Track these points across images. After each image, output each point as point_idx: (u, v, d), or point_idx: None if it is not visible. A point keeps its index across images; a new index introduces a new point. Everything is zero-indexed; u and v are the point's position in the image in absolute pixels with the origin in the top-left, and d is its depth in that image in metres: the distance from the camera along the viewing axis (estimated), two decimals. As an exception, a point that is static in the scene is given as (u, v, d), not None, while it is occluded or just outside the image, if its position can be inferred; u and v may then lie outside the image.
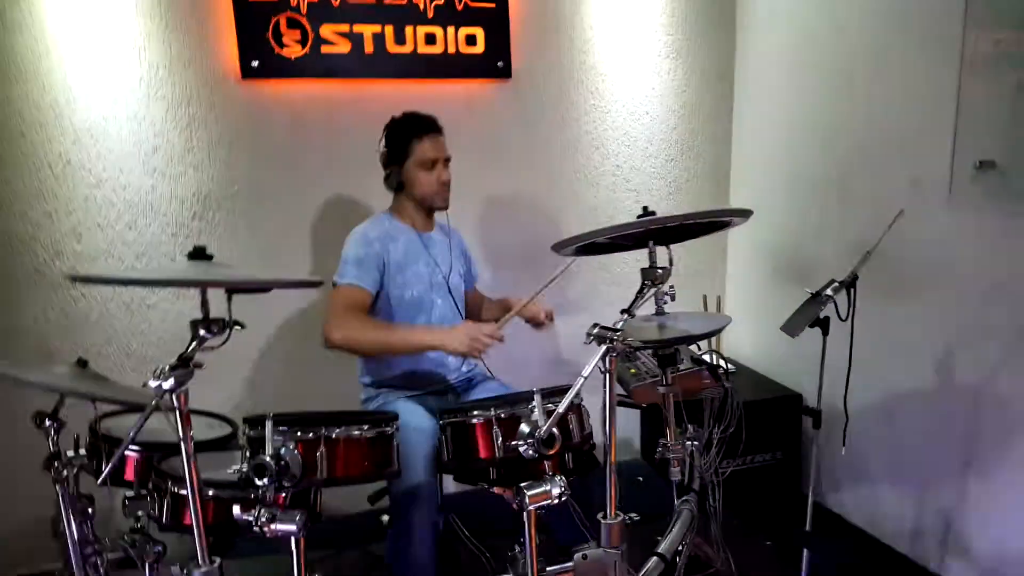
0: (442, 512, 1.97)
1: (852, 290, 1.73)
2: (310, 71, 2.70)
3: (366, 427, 1.42)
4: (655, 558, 1.60)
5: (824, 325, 1.70)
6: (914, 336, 2.36)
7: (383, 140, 2.24)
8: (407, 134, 2.19)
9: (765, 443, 2.95)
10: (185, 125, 2.66)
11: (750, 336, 3.29)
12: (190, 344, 1.22)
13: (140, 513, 1.59)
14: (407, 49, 2.78)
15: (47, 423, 1.50)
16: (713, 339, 2.78)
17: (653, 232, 1.39)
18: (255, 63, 2.63)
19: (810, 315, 1.66)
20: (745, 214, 1.42)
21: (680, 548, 1.76)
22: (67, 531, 1.56)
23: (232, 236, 2.78)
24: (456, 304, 2.30)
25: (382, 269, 2.15)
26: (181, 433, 1.24)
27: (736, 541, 2.25)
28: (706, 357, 2.39)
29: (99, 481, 1.36)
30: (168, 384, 1.19)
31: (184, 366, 1.21)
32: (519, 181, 3.11)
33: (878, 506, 2.62)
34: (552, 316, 2.32)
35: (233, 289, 1.21)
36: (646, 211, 1.42)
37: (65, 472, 1.51)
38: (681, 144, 3.36)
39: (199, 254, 1.23)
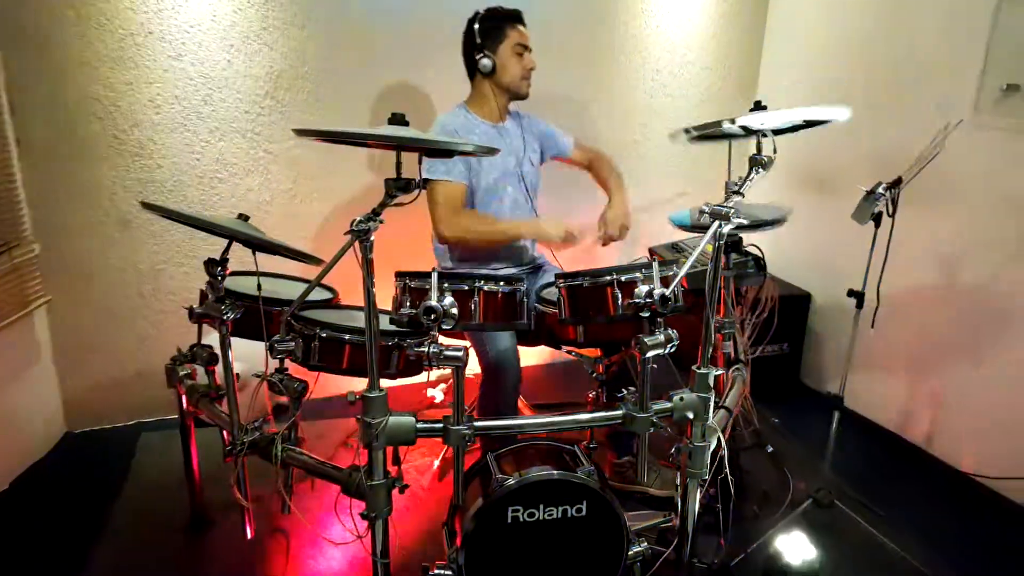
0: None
1: (897, 189, 1.99)
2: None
3: (502, 283, 1.66)
4: (722, 410, 1.90)
5: (878, 219, 1.98)
6: (932, 240, 2.66)
7: (476, 22, 2.36)
8: (502, 21, 2.34)
9: (775, 336, 3.28)
10: (263, 2, 2.73)
11: (765, 240, 3.57)
12: (384, 199, 1.42)
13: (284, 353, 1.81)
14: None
15: (217, 268, 1.69)
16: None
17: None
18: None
19: (870, 208, 1.93)
20: (841, 114, 1.64)
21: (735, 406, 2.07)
22: (225, 367, 1.78)
23: (300, 116, 2.90)
24: (527, 190, 2.50)
25: (467, 159, 2.34)
26: (365, 281, 1.45)
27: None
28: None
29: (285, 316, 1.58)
30: (364, 227, 1.40)
31: (375, 218, 1.42)
32: (563, 77, 3.24)
33: (875, 390, 3.00)
34: (622, 232, 2.49)
35: (426, 152, 1.40)
36: (758, 105, 1.63)
37: (229, 314, 1.71)
38: (717, 53, 3.53)
39: (398, 119, 1.41)
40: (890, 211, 2.00)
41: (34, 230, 2.64)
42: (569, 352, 2.18)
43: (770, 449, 2.42)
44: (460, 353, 1.50)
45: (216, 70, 2.75)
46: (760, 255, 2.58)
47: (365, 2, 2.87)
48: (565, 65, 3.23)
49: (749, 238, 2.52)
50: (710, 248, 1.62)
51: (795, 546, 2.03)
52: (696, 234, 2.56)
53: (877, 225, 2.00)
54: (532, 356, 3.38)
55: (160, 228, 2.84)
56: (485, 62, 2.34)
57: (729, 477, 2.02)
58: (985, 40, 2.41)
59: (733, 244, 2.14)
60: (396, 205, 1.45)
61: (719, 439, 1.86)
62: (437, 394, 3.06)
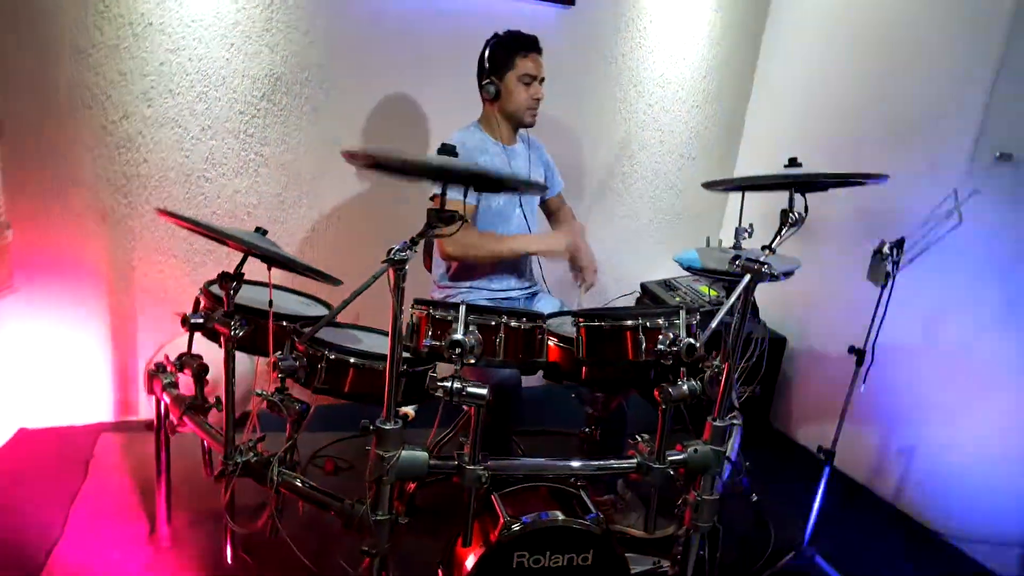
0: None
1: (899, 250, 2.03)
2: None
3: (527, 320, 1.63)
4: (727, 463, 1.89)
5: (886, 278, 2.02)
6: (918, 299, 2.72)
7: (489, 48, 2.35)
8: (513, 48, 2.33)
9: (748, 378, 3.32)
10: (267, 4, 2.66)
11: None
12: (424, 229, 1.37)
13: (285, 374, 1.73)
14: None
15: (232, 283, 1.61)
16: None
17: (799, 182, 1.63)
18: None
19: (883, 268, 1.97)
20: (881, 178, 1.66)
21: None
22: (227, 384, 1.69)
23: (296, 121, 2.83)
24: (527, 216, 2.48)
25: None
26: (395, 306, 1.40)
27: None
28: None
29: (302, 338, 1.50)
30: (401, 256, 1.35)
31: (412, 247, 1.37)
32: (559, 105, 3.23)
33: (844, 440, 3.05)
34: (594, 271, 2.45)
35: (472, 183, 1.36)
36: (793, 162, 1.64)
37: (238, 331, 1.63)
38: (707, 93, 3.59)
39: (448, 151, 1.36)
40: (893, 271, 2.05)
41: (9, 216, 2.49)
42: (572, 393, 2.15)
43: (755, 498, 2.43)
44: (484, 391, 1.46)
45: (214, 67, 2.65)
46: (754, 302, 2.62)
47: (370, 14, 2.82)
48: (563, 93, 3.22)
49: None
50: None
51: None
52: (689, 274, 2.59)
53: (884, 285, 2.04)
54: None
55: (139, 225, 2.71)
56: (490, 88, 2.34)
57: (719, 528, 2.04)
58: (981, 109, 2.50)
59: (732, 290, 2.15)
60: (436, 236, 1.41)
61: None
62: (410, 411, 2.98)
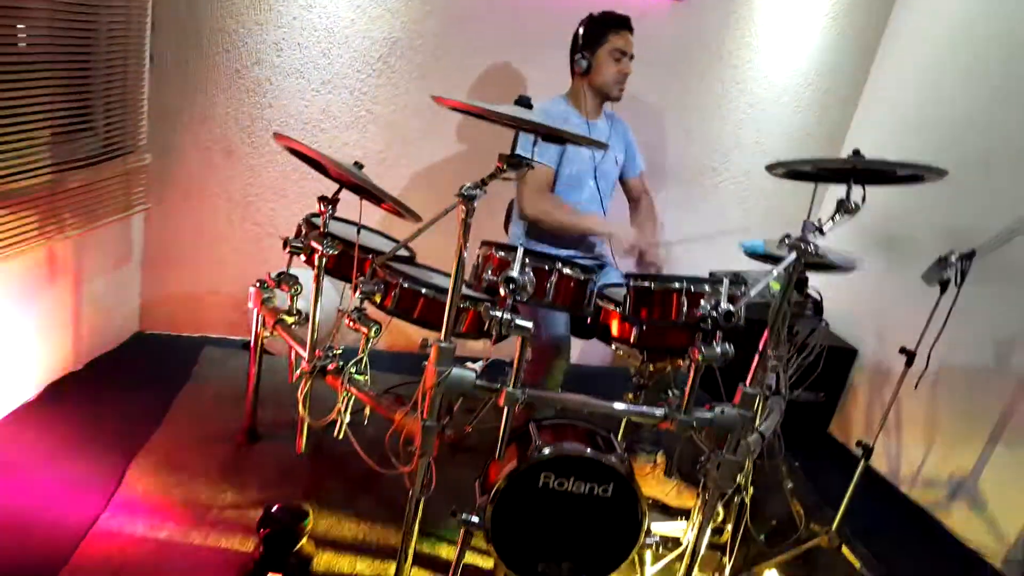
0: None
1: (968, 262, 2.05)
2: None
3: (579, 271, 1.79)
4: (756, 434, 1.99)
5: (944, 284, 2.05)
6: (992, 317, 2.68)
7: (583, 24, 2.51)
8: (606, 25, 2.48)
9: (815, 383, 3.33)
10: (396, -28, 2.91)
11: (825, 287, 3.63)
12: (493, 171, 1.55)
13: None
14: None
15: (328, 204, 1.85)
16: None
17: (857, 171, 1.70)
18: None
19: (940, 272, 2.01)
20: (941, 173, 1.71)
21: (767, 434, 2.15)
22: (316, 295, 1.94)
23: (406, 84, 3.07)
24: (600, 188, 2.61)
25: (559, 148, 2.46)
26: (460, 242, 1.59)
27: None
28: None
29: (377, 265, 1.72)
30: (471, 193, 1.53)
31: (482, 186, 1.55)
32: (659, 92, 3.36)
33: (904, 459, 3.04)
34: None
35: (545, 135, 1.53)
36: (856, 153, 1.72)
37: (330, 250, 1.88)
38: (810, 99, 3.59)
39: (524, 102, 1.54)
40: (957, 280, 2.07)
41: (149, 141, 2.85)
42: (616, 350, 2.28)
43: (790, 485, 2.49)
44: (529, 324, 1.62)
45: (339, 26, 2.93)
46: (819, 299, 2.66)
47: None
48: (665, 82, 3.34)
49: (813, 282, 2.61)
50: (775, 285, 1.71)
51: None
52: (761, 267, 2.65)
53: (943, 291, 2.07)
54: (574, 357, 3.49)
55: (258, 163, 3.03)
56: (582, 62, 2.48)
57: (747, 498, 2.13)
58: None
59: (798, 283, 2.22)
60: (504, 179, 1.58)
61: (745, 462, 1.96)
62: (477, 367, 3.18)
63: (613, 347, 2.33)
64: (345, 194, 1.98)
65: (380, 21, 2.96)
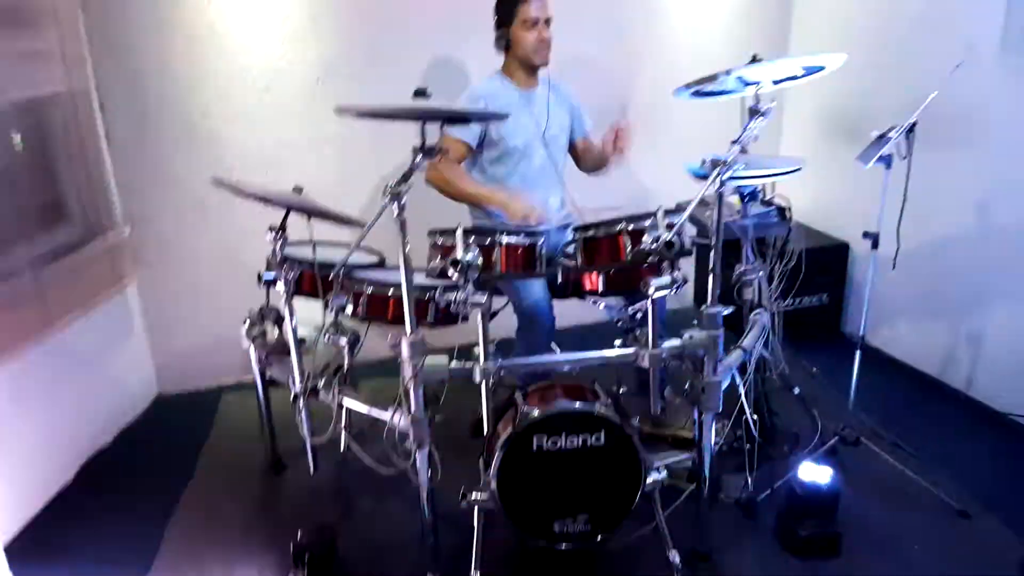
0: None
1: (911, 134, 2.06)
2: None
3: (523, 236, 1.85)
4: (738, 350, 2.04)
5: (888, 161, 2.06)
6: (960, 181, 2.69)
7: (496, 3, 2.53)
8: None
9: (812, 287, 3.34)
10: (310, 3, 2.99)
11: (801, 189, 3.59)
12: (411, 163, 1.62)
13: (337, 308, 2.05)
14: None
15: (277, 234, 1.95)
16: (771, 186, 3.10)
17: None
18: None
19: (878, 149, 2.02)
20: (837, 60, 1.73)
21: (753, 348, 2.20)
22: (289, 322, 2.04)
23: (347, 96, 3.09)
24: (553, 155, 2.65)
25: (484, 124, 2.51)
26: (401, 236, 1.66)
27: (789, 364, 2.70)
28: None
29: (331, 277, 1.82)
30: (397, 190, 1.61)
31: (405, 182, 1.63)
32: (600, 44, 3.39)
33: (914, 335, 3.05)
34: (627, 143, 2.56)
35: (446, 120, 1.60)
36: (755, 58, 1.75)
37: (291, 274, 1.97)
38: (746, 4, 3.59)
39: (421, 93, 1.61)
40: (903, 154, 2.08)
41: (124, 214, 2.98)
42: (595, 303, 2.33)
43: (797, 391, 2.53)
44: (483, 299, 1.70)
45: (272, 61, 3.01)
46: (786, 205, 2.67)
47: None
48: (598, 29, 3.37)
49: (781, 189, 2.63)
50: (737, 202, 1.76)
51: (816, 473, 2.13)
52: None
53: (888, 166, 2.08)
54: (572, 317, 3.54)
55: (229, 209, 3.12)
56: (500, 40, 2.53)
57: (751, 416, 2.18)
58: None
59: (751, 194, 2.26)
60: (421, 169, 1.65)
61: (735, 378, 2.01)
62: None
63: (591, 301, 2.39)
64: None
65: (309, 46, 3.04)
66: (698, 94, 1.91)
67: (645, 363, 1.81)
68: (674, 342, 1.83)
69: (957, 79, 2.20)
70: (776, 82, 1.84)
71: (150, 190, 3.02)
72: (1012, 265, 2.58)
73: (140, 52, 2.86)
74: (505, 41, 2.53)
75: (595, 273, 2.06)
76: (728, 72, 1.71)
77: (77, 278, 2.70)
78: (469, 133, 2.50)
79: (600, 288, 2.13)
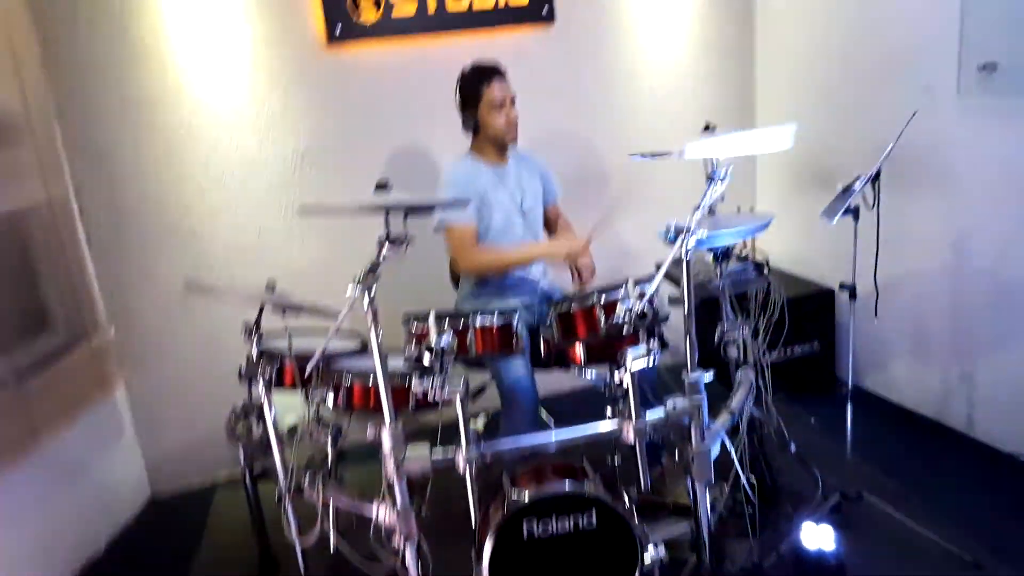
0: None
1: (876, 183, 2.08)
2: (384, 32, 3.09)
3: (495, 316, 1.85)
4: (726, 412, 2.01)
5: (855, 213, 2.07)
6: (932, 223, 2.70)
7: (458, 86, 2.59)
8: (477, 81, 2.54)
9: (802, 335, 3.32)
10: (283, 91, 3.06)
11: (782, 240, 3.63)
12: (378, 256, 1.63)
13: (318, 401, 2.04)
14: (464, 6, 3.15)
15: (254, 332, 1.94)
16: (750, 241, 3.13)
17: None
18: (338, 29, 3.01)
19: (843, 203, 2.03)
20: (784, 134, 1.77)
21: (743, 409, 2.17)
22: (268, 418, 2.01)
23: (328, 184, 3.18)
24: (531, 225, 2.69)
25: (476, 202, 2.55)
26: (372, 327, 1.66)
27: (783, 417, 2.66)
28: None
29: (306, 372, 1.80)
30: (359, 289, 1.61)
31: (373, 273, 1.63)
32: (566, 112, 3.46)
33: (908, 378, 3.02)
34: (592, 275, 2.61)
35: (412, 210, 1.61)
36: (708, 127, 1.78)
37: (268, 371, 1.96)
38: (710, 69, 3.67)
39: (382, 186, 1.63)
40: (871, 203, 2.09)
41: (107, 315, 2.98)
42: (579, 373, 2.31)
43: (793, 448, 2.48)
44: (459, 387, 1.68)
45: (249, 154, 3.07)
46: (763, 260, 2.68)
47: (370, 79, 3.16)
48: (562, 103, 3.44)
49: (760, 241, 2.64)
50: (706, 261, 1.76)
51: (821, 537, 2.08)
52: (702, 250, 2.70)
53: (856, 219, 2.09)
54: (564, 381, 3.51)
55: (213, 304, 3.12)
56: (468, 123, 2.57)
57: (746, 479, 2.13)
58: (957, 22, 2.48)
59: (724, 253, 2.26)
60: (391, 259, 1.66)
61: (724, 443, 1.97)
62: (479, 424, 3.22)
63: (575, 371, 2.37)
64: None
65: (285, 138, 3.10)
66: (657, 155, 1.94)
67: (629, 438, 1.78)
68: (657, 413, 1.80)
69: (918, 124, 2.25)
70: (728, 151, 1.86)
71: (133, 290, 3.03)
72: (995, 301, 2.57)
73: (117, 156, 2.91)
74: (473, 123, 2.58)
75: (575, 345, 2.05)
76: (681, 153, 1.73)
77: (63, 385, 2.68)
78: (468, 215, 2.54)
79: (582, 359, 2.11)
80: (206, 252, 3.10)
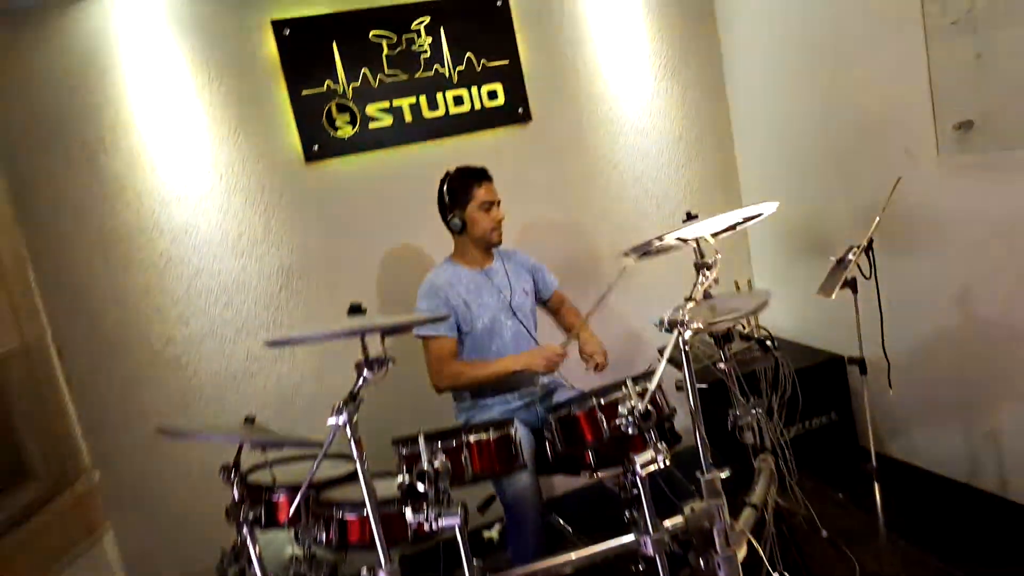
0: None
1: (870, 252, 2.01)
2: (362, 146, 3.09)
3: (492, 431, 1.73)
4: (749, 508, 1.87)
5: (852, 285, 1.99)
6: (931, 284, 2.63)
7: (444, 186, 2.58)
8: (467, 182, 2.55)
9: (818, 406, 3.19)
10: (263, 210, 3.03)
11: (783, 311, 3.56)
12: (356, 382, 1.54)
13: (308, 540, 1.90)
14: (440, 113, 3.17)
15: (232, 473, 1.82)
16: (752, 317, 3.05)
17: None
18: (315, 147, 3.01)
19: (839, 277, 1.95)
20: (769, 208, 1.72)
21: (766, 500, 2.03)
22: (255, 564, 1.87)
23: (315, 298, 3.12)
24: (523, 322, 2.62)
25: (454, 313, 2.52)
26: (357, 458, 1.55)
27: (810, 497, 2.52)
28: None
29: (291, 513, 1.67)
30: (342, 419, 1.51)
31: (353, 401, 1.53)
32: (553, 209, 3.44)
33: (933, 442, 2.86)
34: (606, 358, 2.58)
35: (387, 332, 1.53)
36: (689, 215, 1.72)
37: (252, 514, 1.82)
38: (689, 151, 3.67)
39: (356, 309, 1.55)
40: (867, 273, 2.02)
41: (91, 458, 2.85)
42: (589, 477, 2.18)
43: (824, 533, 2.32)
44: (454, 519, 1.55)
45: (231, 277, 3.02)
46: (766, 336, 2.59)
47: (352, 187, 3.14)
48: (552, 197, 3.43)
49: (764, 317, 2.56)
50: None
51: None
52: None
53: (854, 291, 2.01)
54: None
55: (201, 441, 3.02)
56: (455, 222, 2.54)
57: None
58: (927, 83, 2.48)
59: (724, 337, 2.17)
60: (369, 384, 1.56)
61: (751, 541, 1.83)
62: (493, 534, 3.04)
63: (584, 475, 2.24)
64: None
65: (267, 257, 3.06)
66: (647, 254, 1.88)
67: (649, 550, 1.64)
68: (676, 521, 1.67)
69: (904, 187, 2.20)
70: (715, 234, 1.81)
71: (118, 428, 2.91)
72: (1006, 353, 2.46)
73: (95, 293, 2.85)
74: (461, 223, 2.54)
75: (580, 450, 1.93)
76: (660, 239, 1.67)
77: (47, 536, 2.52)
78: (446, 326, 2.48)
79: (591, 462, 1.99)
80: (192, 381, 3.00)
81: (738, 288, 3.52)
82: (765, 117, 3.48)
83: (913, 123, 2.55)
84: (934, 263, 2.60)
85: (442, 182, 2.60)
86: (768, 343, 2.44)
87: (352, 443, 1.55)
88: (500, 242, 2.60)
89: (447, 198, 2.57)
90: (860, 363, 2.07)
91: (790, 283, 3.44)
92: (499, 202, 2.58)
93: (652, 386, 1.61)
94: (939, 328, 2.65)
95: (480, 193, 2.52)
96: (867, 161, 2.86)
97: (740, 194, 3.77)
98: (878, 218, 2.01)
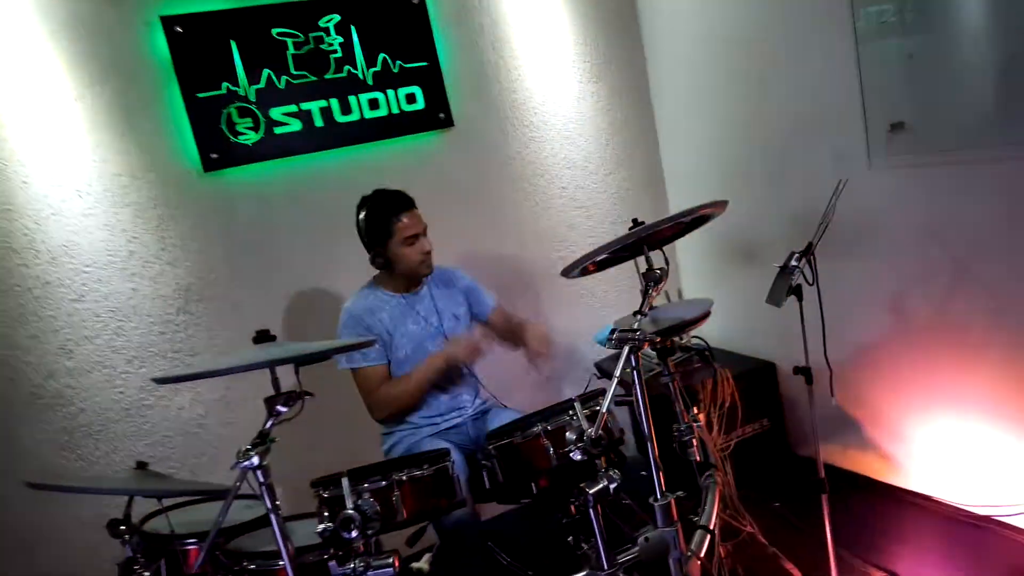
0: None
1: (812, 258, 1.95)
2: (267, 153, 2.83)
3: (426, 466, 1.55)
4: (700, 530, 1.75)
5: (798, 292, 1.92)
6: (867, 288, 2.62)
7: (362, 220, 2.33)
8: (385, 214, 2.29)
9: (750, 414, 3.15)
10: (156, 225, 2.73)
11: (714, 320, 3.51)
12: (267, 420, 1.32)
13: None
14: (354, 117, 2.94)
15: (122, 528, 1.56)
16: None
17: (647, 239, 1.57)
18: (214, 155, 2.74)
19: (785, 285, 1.88)
20: (721, 204, 1.62)
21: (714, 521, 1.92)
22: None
23: (219, 322, 2.84)
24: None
25: (379, 339, 2.31)
26: (268, 504, 1.34)
27: (748, 509, 2.44)
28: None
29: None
30: (254, 461, 1.29)
31: (263, 442, 1.32)
32: (477, 218, 3.29)
33: (871, 448, 2.85)
34: (545, 343, 2.42)
35: (302, 361, 1.33)
36: (636, 222, 1.60)
37: (147, 573, 1.57)
38: (616, 159, 3.60)
39: (264, 336, 1.34)
40: (810, 279, 1.95)
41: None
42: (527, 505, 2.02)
43: (771, 550, 2.25)
44: (388, 570, 1.36)
45: (122, 300, 2.70)
46: (705, 346, 2.51)
47: (256, 204, 2.88)
48: (474, 206, 3.27)
49: (702, 330, 2.48)
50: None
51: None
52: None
53: (800, 299, 1.94)
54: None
55: (97, 474, 2.69)
56: (377, 260, 2.33)
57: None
58: (857, 86, 2.46)
59: (668, 349, 2.06)
60: (283, 421, 1.35)
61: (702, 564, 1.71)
62: (424, 564, 2.83)
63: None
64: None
65: (161, 277, 2.76)
66: (585, 272, 1.74)
67: (602, 588, 1.49)
68: (631, 553, 1.53)
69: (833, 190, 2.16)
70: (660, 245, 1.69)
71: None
72: (946, 355, 2.47)
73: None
74: (384, 260, 2.33)
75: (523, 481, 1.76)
76: (607, 250, 1.54)
77: None
78: (375, 352, 2.29)
79: (534, 494, 1.82)
80: (78, 417, 2.66)
81: (668, 299, 3.46)
82: (691, 121, 3.43)
83: (844, 125, 2.53)
84: (868, 266, 2.59)
85: (359, 208, 2.36)
86: (707, 353, 2.36)
87: (263, 490, 1.33)
88: (430, 272, 2.40)
89: (365, 235, 2.34)
90: (806, 372, 2.00)
91: (719, 293, 3.38)
92: (425, 229, 2.36)
93: (604, 408, 1.47)
94: (881, 334, 2.64)
95: (401, 227, 2.27)
96: (797, 165, 2.83)
97: (668, 201, 3.72)
98: (826, 223, 1.95)
